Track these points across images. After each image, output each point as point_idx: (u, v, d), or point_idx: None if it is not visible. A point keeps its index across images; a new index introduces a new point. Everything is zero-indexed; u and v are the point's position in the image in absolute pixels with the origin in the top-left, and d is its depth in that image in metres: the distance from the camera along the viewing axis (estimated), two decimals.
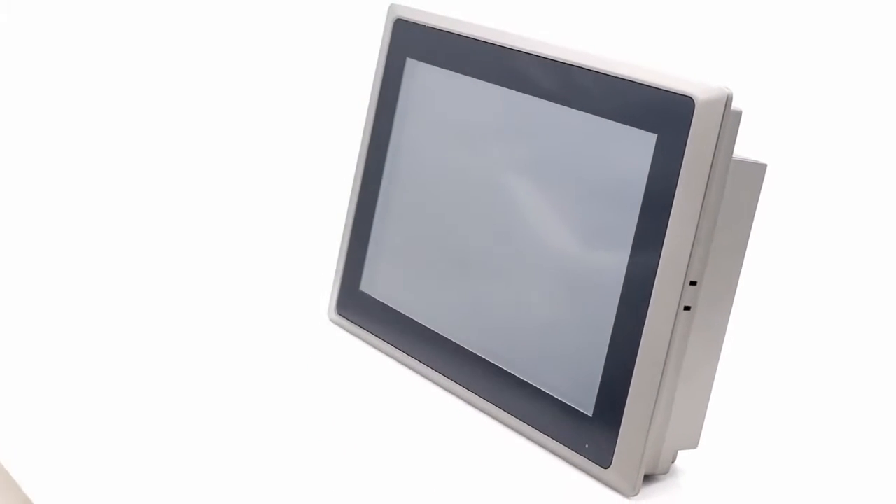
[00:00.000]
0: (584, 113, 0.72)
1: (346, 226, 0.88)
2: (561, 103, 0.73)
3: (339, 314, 0.88)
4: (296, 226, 1.13)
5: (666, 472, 0.71)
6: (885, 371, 0.92)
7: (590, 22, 1.20)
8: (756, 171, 0.69)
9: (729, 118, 0.65)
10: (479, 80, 0.79)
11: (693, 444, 0.71)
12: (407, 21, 0.84)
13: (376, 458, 0.69)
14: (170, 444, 0.68)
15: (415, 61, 0.83)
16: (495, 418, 0.76)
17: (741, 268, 0.69)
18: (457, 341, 0.79)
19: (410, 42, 0.84)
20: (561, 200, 0.73)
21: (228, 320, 0.87)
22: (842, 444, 0.80)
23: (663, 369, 0.66)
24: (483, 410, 0.77)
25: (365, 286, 0.86)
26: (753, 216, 0.69)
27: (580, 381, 0.71)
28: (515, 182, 0.76)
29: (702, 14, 1.18)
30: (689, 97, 0.66)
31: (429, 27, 0.82)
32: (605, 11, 1.21)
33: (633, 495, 0.68)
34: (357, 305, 0.86)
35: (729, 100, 0.65)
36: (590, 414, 0.70)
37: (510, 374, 0.75)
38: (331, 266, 0.93)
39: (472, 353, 0.78)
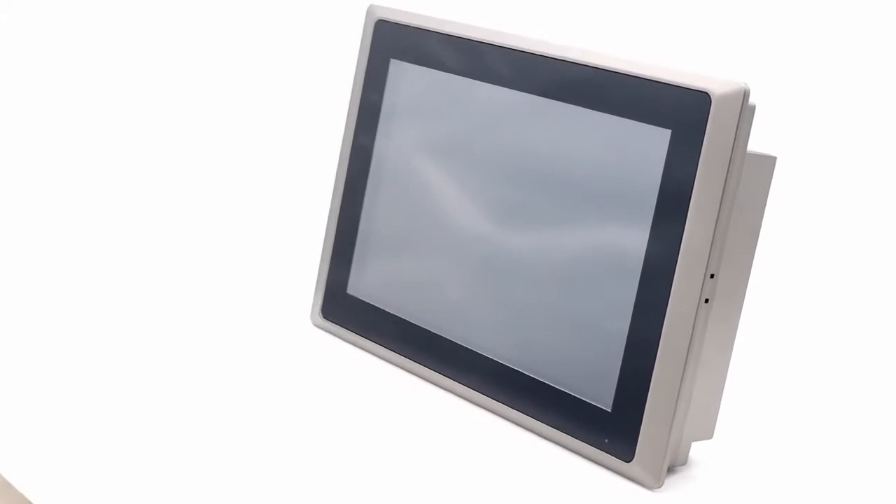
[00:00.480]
0: (592, 111, 0.72)
1: (327, 228, 0.87)
2: (567, 101, 0.74)
3: (325, 318, 0.87)
4: (270, 230, 1.12)
5: (684, 463, 0.71)
6: (892, 362, 0.94)
7: (578, 19, 1.20)
8: (766, 164, 0.70)
9: (746, 113, 0.66)
10: (473, 80, 0.79)
11: (708, 434, 0.72)
12: (390, 22, 0.84)
13: (391, 467, 0.69)
14: (154, 461, 0.66)
15: (400, 62, 0.83)
16: (507, 419, 0.76)
17: (753, 260, 0.70)
18: (460, 342, 0.78)
19: (394, 43, 0.83)
20: (569, 197, 0.73)
21: (204, 329, 0.86)
22: (851, 433, 0.81)
23: (685, 362, 0.67)
24: (493, 411, 0.77)
25: (353, 289, 0.85)
26: (764, 209, 0.70)
27: (596, 376, 0.71)
28: (519, 180, 0.76)
29: (684, 6, 1.18)
30: (706, 93, 0.67)
31: (416, 28, 0.82)
32: (594, 8, 1.21)
33: (658, 487, 0.68)
34: (345, 308, 0.85)
35: (746, 94, 0.66)
36: (608, 409, 0.71)
37: (522, 373, 0.75)
38: (308, 270, 0.92)
39: (476, 352, 0.77)
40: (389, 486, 0.66)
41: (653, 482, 0.69)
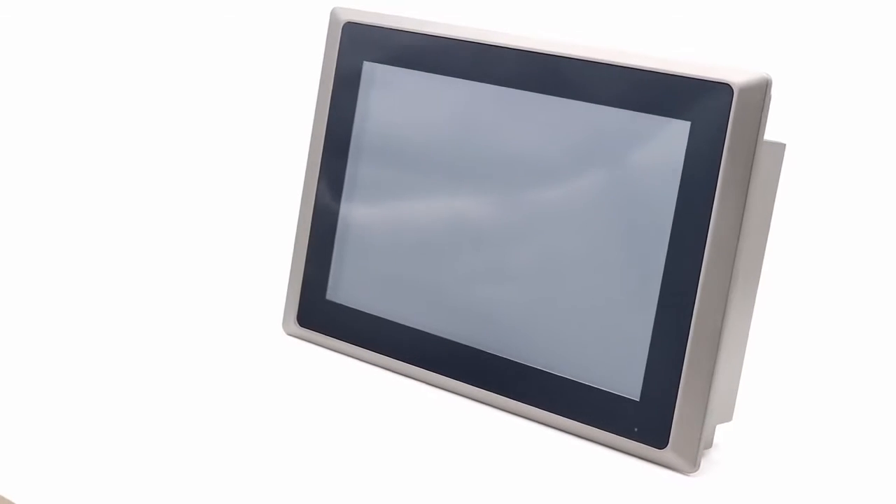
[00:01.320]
0: (605, 107, 0.73)
1: (298, 235, 0.85)
2: (576, 98, 0.74)
3: (302, 326, 0.85)
4: (227, 239, 1.11)
5: (709, 446, 0.73)
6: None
7: (553, 14, 1.20)
8: (777, 152, 0.72)
9: (768, 103, 0.68)
10: (466, 80, 0.79)
11: (729, 417, 0.74)
12: (359, 24, 0.83)
13: (418, 479, 0.67)
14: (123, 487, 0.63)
15: (375, 64, 0.82)
16: (526, 417, 0.76)
17: (766, 245, 0.73)
18: (467, 343, 0.78)
19: (366, 45, 0.82)
20: (582, 191, 0.74)
21: (168, 345, 0.83)
22: (863, 412, 0.84)
23: (719, 346, 0.69)
24: (510, 411, 0.77)
25: (333, 294, 0.84)
26: (775, 195, 0.73)
27: (620, 366, 0.72)
28: (525, 175, 0.76)
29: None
30: (727, 84, 0.69)
31: (394, 29, 0.81)
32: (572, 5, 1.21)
33: (694, 472, 0.70)
34: (325, 315, 0.84)
35: (769, 85, 0.68)
36: (636, 398, 0.72)
37: (540, 370, 0.75)
38: (271, 279, 0.91)
39: (484, 352, 0.78)
40: (423, 497, 0.65)
41: (688, 467, 0.70)
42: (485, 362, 0.77)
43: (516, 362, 0.76)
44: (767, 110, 0.68)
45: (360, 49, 0.83)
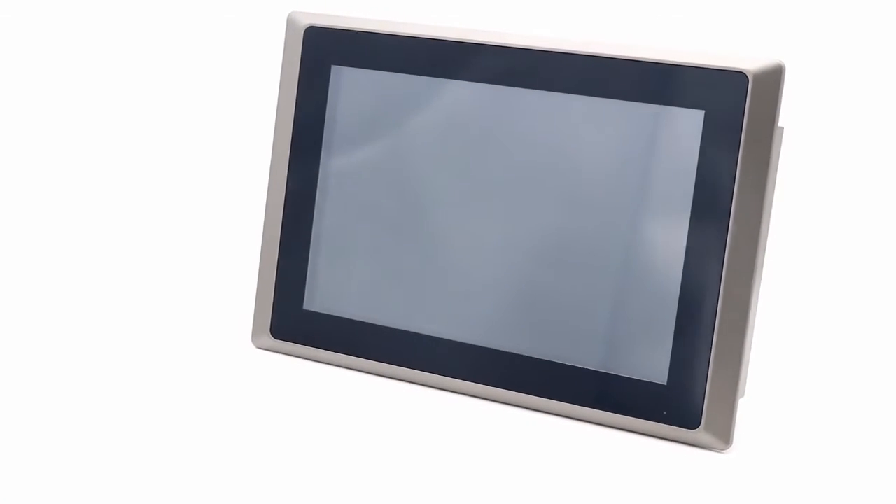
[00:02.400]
0: (613, 100, 0.75)
1: (266, 246, 0.83)
2: (584, 94, 0.76)
3: (277, 338, 0.84)
4: (175, 254, 1.07)
5: None
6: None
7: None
8: (778, 135, 0.75)
9: (782, 89, 0.71)
10: (456, 81, 0.79)
11: (742, 392, 0.77)
12: (323, 28, 0.82)
13: (446, 478, 0.67)
14: None
15: (343, 67, 0.81)
16: (541, 410, 0.77)
17: (770, 224, 0.76)
18: (463, 340, 0.79)
19: (333, 48, 0.81)
20: (591, 186, 0.75)
21: (129, 370, 0.79)
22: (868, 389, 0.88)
23: (746, 326, 0.72)
24: (523, 405, 0.78)
25: (311, 303, 0.83)
26: (776, 177, 0.76)
27: (644, 353, 0.74)
28: (524, 173, 0.77)
29: None
30: (742, 72, 0.71)
31: (363, 32, 0.81)
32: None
33: (727, 449, 0.72)
34: (303, 325, 0.83)
35: (783, 71, 0.71)
36: (663, 382, 0.74)
37: (554, 362, 0.76)
38: (227, 291, 0.88)
39: (489, 349, 0.78)
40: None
41: (722, 444, 0.72)
42: (496, 360, 0.77)
43: (537, 359, 0.77)
44: (781, 96, 0.71)
45: (326, 53, 0.82)
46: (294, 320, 0.83)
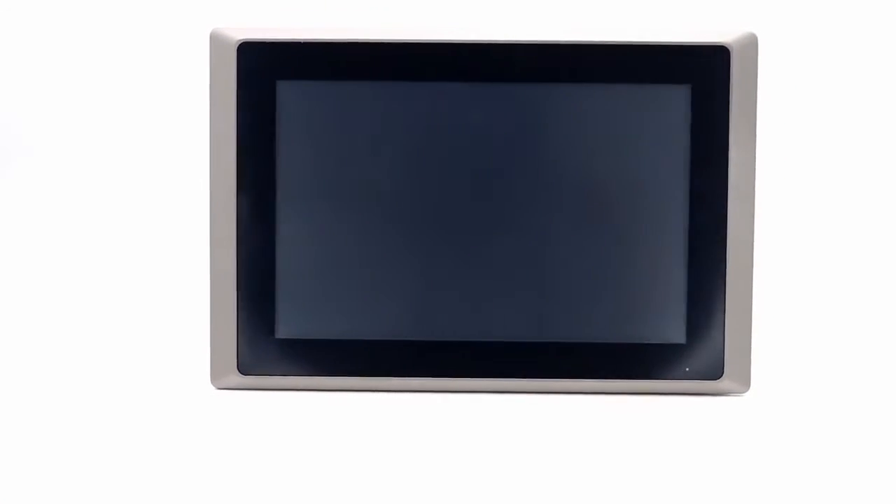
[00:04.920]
0: (599, 84, 0.78)
1: (217, 281, 0.79)
2: (567, 82, 0.78)
3: (245, 374, 0.80)
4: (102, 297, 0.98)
5: None
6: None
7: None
8: None
9: (757, 59, 0.79)
10: (394, 83, 0.78)
11: None
12: (260, 42, 0.78)
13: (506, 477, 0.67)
14: None
15: (290, 82, 0.78)
16: (565, 392, 0.80)
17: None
18: (467, 339, 0.80)
19: (275, 63, 0.78)
20: (582, 168, 0.79)
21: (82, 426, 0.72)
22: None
23: (752, 276, 0.79)
24: (546, 391, 0.80)
25: (286, 331, 0.80)
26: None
27: (661, 317, 0.80)
28: (509, 169, 0.79)
29: None
30: (724, 46, 0.78)
31: (306, 42, 0.78)
32: None
33: (748, 390, 0.80)
34: (277, 355, 0.80)
35: (757, 41, 0.79)
36: (683, 341, 0.80)
37: (573, 342, 0.80)
38: (161, 334, 0.83)
39: (499, 341, 0.80)
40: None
41: (743, 388, 0.80)
42: (487, 351, 0.79)
43: (551, 343, 0.79)
44: (757, 66, 0.78)
45: (267, 69, 0.78)
46: (266, 352, 0.79)
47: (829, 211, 1.18)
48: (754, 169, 0.78)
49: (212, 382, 0.79)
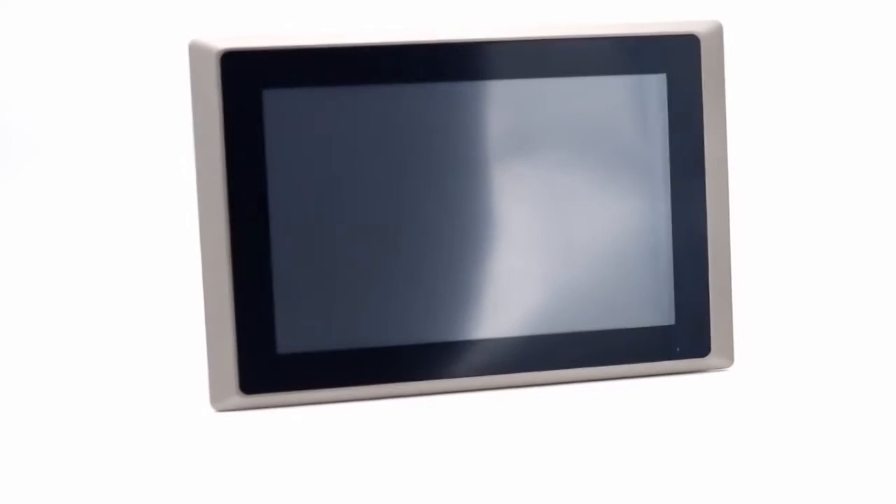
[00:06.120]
0: (573, 78, 0.81)
1: (212, 297, 0.77)
2: (536, 76, 0.80)
3: (248, 394, 0.78)
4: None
5: None
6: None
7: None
8: None
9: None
10: (402, 85, 0.79)
11: None
12: (244, 51, 0.77)
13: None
14: None
15: (277, 90, 0.77)
16: (562, 382, 0.81)
17: None
18: (480, 337, 0.80)
19: (261, 72, 0.77)
20: (563, 160, 0.81)
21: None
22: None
23: (729, 251, 0.83)
24: (543, 382, 0.81)
25: (286, 345, 0.78)
26: None
27: (649, 301, 0.82)
28: (501, 166, 0.80)
29: None
30: (694, 35, 0.82)
31: (292, 49, 0.78)
32: None
33: (732, 364, 0.84)
34: (281, 371, 0.78)
35: (722, 30, 0.82)
36: (673, 322, 0.83)
37: (569, 333, 0.81)
38: (148, 357, 0.80)
39: (501, 338, 0.81)
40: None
41: (728, 362, 0.83)
42: (493, 348, 0.80)
43: (549, 335, 0.81)
44: (723, 53, 0.82)
45: (253, 78, 0.77)
46: (268, 368, 0.77)
47: (797, 192, 1.24)
48: (727, 150, 0.81)
49: (212, 405, 0.76)
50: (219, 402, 0.76)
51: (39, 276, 1.07)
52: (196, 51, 0.75)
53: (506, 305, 0.80)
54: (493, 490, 0.62)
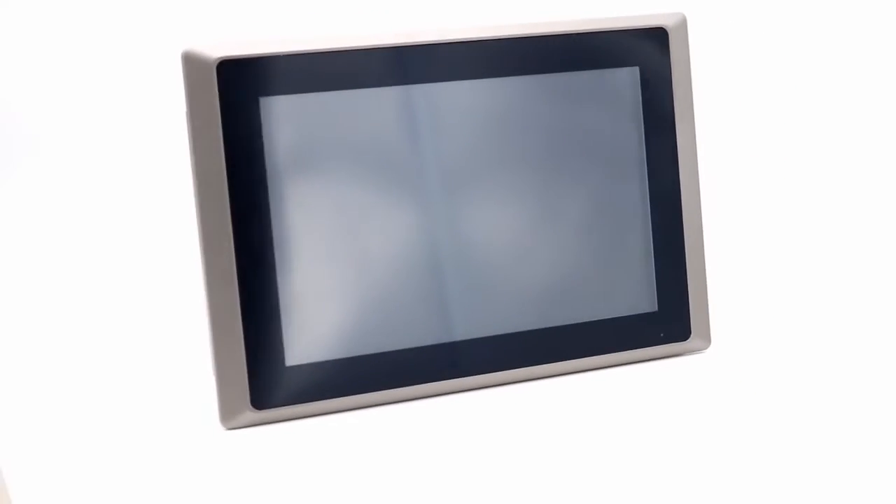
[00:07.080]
0: (550, 75, 0.82)
1: (218, 314, 0.75)
2: (519, 74, 0.81)
3: (260, 409, 0.77)
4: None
5: None
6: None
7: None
8: None
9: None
10: (372, 88, 0.79)
11: None
12: (240, 59, 0.76)
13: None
14: None
15: (274, 97, 0.77)
16: (553, 375, 0.83)
17: None
18: (474, 336, 0.81)
19: (258, 80, 0.76)
20: (545, 155, 0.83)
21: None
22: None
23: (703, 240, 0.86)
24: (535, 377, 0.82)
25: (294, 357, 0.78)
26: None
27: (632, 291, 0.84)
28: (492, 165, 0.81)
29: None
30: (662, 28, 0.84)
31: (288, 55, 0.77)
32: None
33: (710, 346, 0.87)
34: (291, 384, 0.77)
35: (686, 22, 0.86)
36: (655, 309, 0.85)
37: (557, 326, 0.83)
38: (149, 376, 0.78)
39: (496, 336, 0.82)
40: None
41: (707, 343, 0.86)
42: (511, 343, 0.81)
43: (541, 329, 0.82)
44: (689, 44, 0.85)
45: (250, 86, 0.75)
46: (279, 382, 0.76)
47: (767, 180, 1.27)
48: (696, 146, 0.83)
49: (223, 423, 0.74)
50: (230, 419, 0.75)
51: (33, 292, 1.04)
52: (192, 60, 0.73)
53: (510, 306, 0.80)
54: (508, 495, 0.63)
